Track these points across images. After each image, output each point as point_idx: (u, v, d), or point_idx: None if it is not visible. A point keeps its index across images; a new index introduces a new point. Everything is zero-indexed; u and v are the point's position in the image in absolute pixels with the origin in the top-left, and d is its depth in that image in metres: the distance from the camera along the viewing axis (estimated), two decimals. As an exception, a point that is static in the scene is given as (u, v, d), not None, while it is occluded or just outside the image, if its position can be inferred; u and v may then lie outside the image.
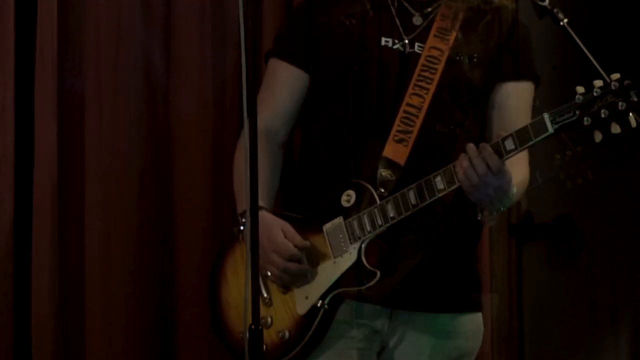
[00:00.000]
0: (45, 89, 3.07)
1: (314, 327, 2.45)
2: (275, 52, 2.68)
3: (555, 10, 2.69)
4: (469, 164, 2.35)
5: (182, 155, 3.28)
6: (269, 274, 2.53)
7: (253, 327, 2.06)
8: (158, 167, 3.26)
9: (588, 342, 3.88)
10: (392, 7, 2.55)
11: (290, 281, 2.52)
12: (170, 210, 3.24)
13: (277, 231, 2.51)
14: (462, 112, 2.62)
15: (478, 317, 2.61)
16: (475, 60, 2.63)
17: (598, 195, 3.72)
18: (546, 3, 2.70)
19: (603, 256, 3.82)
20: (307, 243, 2.50)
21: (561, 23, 2.65)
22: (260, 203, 2.42)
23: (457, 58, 2.61)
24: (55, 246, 3.14)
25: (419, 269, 2.55)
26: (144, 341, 3.19)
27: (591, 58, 2.69)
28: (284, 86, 2.66)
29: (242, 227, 2.55)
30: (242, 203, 2.55)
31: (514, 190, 2.43)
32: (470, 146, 2.37)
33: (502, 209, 2.46)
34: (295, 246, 2.48)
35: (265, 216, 2.48)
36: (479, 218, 2.61)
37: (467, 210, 2.51)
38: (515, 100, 2.66)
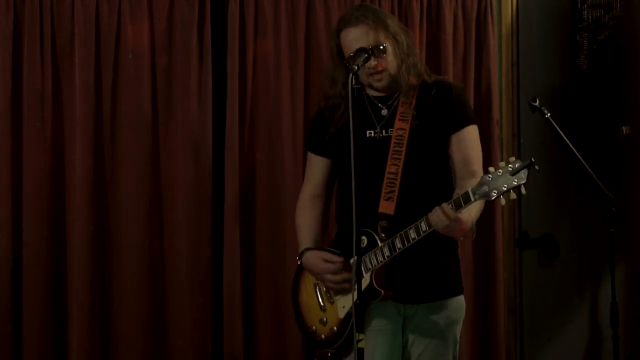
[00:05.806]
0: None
1: (350, 324, 2.77)
2: (310, 147, 3.02)
3: (542, 107, 3.59)
4: (437, 216, 2.62)
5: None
6: (327, 285, 2.86)
7: (358, 301, 2.59)
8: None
9: (562, 310, 4.20)
10: (368, 106, 2.81)
11: (340, 288, 2.81)
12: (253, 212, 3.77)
13: (322, 261, 2.83)
14: (427, 168, 2.84)
15: (460, 297, 2.88)
16: (429, 127, 2.80)
17: (567, 222, 4.19)
18: (537, 103, 3.59)
19: (571, 259, 4.19)
20: (341, 259, 2.79)
21: (546, 116, 3.60)
22: (307, 245, 2.89)
23: (416, 131, 2.80)
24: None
25: (417, 279, 2.82)
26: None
27: (568, 142, 3.55)
28: (318, 169, 2.99)
29: (300, 261, 2.92)
30: (300, 246, 2.93)
31: (473, 220, 2.71)
32: (436, 208, 2.60)
33: (472, 234, 2.73)
34: (335, 266, 2.82)
35: (312, 253, 2.88)
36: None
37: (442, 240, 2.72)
38: (464, 142, 2.82)
